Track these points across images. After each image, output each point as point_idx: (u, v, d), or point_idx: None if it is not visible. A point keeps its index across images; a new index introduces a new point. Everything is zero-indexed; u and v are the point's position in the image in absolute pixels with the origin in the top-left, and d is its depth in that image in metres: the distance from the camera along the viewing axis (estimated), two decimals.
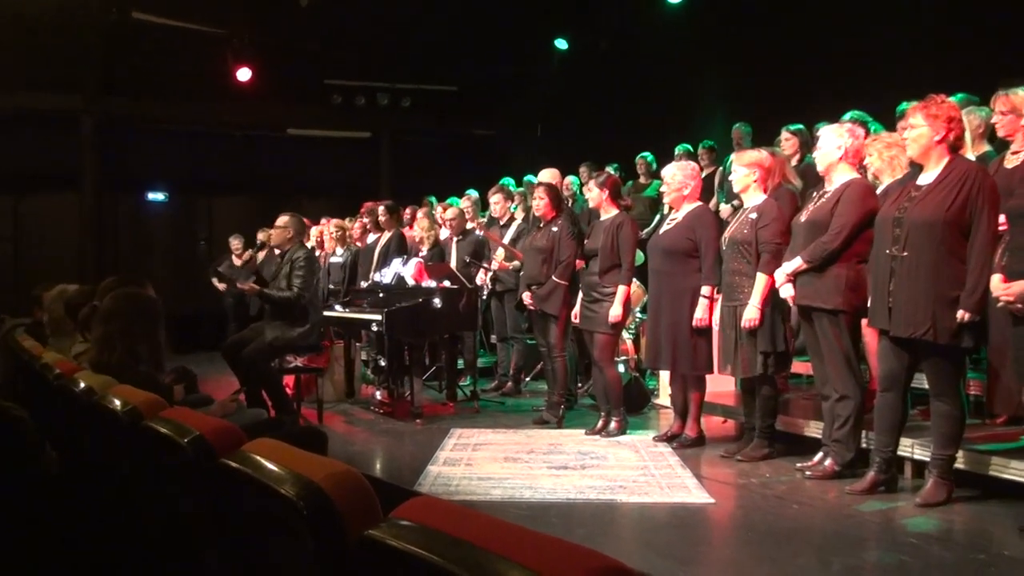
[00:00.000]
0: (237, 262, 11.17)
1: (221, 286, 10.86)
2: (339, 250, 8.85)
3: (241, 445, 1.74)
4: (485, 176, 10.74)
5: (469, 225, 8.55)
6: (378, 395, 7.37)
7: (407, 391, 6.97)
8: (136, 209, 13.39)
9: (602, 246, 5.67)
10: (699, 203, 5.47)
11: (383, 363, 7.31)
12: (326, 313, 6.95)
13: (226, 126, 13.28)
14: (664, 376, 6.58)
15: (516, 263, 7.39)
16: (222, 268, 10.87)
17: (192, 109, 12.79)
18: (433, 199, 10.34)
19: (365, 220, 8.74)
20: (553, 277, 6.07)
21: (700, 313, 5.23)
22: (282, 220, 6.50)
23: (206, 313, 12.26)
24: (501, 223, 7.79)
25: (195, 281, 12.80)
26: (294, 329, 6.26)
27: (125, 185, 13.02)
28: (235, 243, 11.39)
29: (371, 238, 8.55)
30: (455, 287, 6.70)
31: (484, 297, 7.50)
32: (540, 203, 6.24)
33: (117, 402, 2.64)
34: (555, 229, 6.13)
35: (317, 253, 8.81)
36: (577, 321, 5.96)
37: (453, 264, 7.81)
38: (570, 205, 8.02)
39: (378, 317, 6.39)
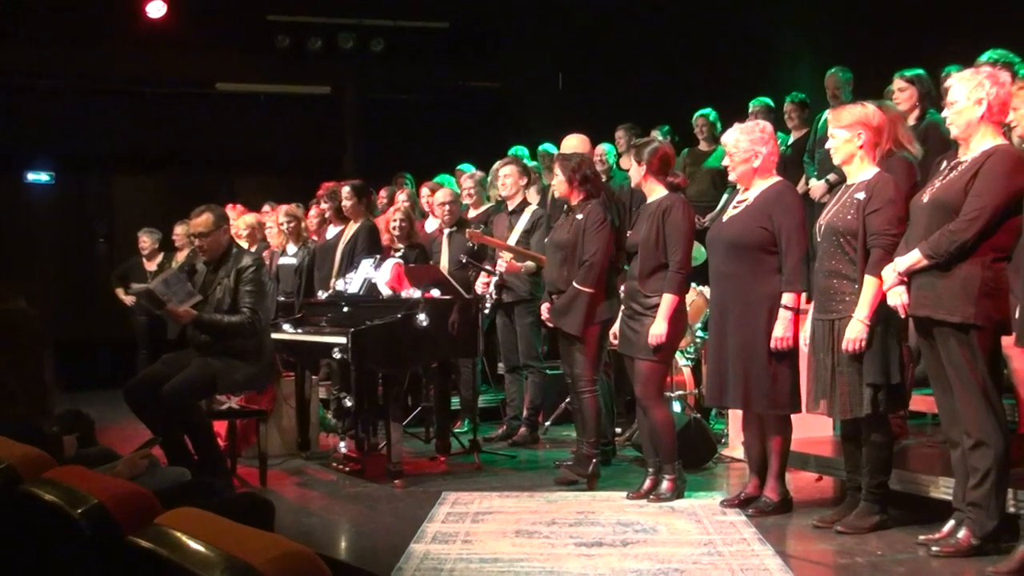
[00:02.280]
0: (149, 267, 11.24)
1: (128, 299, 10.92)
2: (291, 247, 8.90)
3: (155, 517, 1.76)
4: (488, 146, 10.78)
5: (473, 212, 8.61)
6: (343, 447, 7.39)
7: (382, 441, 6.98)
8: (10, 194, 13.48)
9: (644, 240, 5.69)
10: (777, 178, 5.49)
11: (349, 403, 7.33)
12: (272, 335, 6.98)
13: (133, 82, 13.38)
14: (735, 418, 6.58)
15: (531, 264, 7.43)
16: (129, 276, 10.95)
17: (86, 58, 12.88)
18: (410, 177, 10.40)
19: (324, 206, 8.79)
20: (574, 283, 6.10)
21: (781, 330, 5.24)
22: (204, 220, 6.40)
23: (107, 338, 12.32)
24: (511, 208, 7.84)
25: (91, 293, 12.87)
26: (244, 366, 6.29)
27: None
28: (145, 240, 11.46)
29: (332, 231, 8.61)
30: (447, 298, 6.73)
31: (487, 311, 7.53)
32: (559, 181, 6.28)
33: None
34: (580, 216, 6.17)
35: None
36: (615, 343, 5.98)
37: (444, 266, 7.84)
38: (606, 183, 8.05)
39: (342, 340, 6.43)
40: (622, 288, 6.07)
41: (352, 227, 8.23)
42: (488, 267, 7.61)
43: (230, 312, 6.29)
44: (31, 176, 13.56)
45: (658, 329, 5.59)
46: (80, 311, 12.64)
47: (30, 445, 2.67)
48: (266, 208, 10.21)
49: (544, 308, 6.34)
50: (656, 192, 5.83)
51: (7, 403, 3.42)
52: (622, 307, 5.91)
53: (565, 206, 6.42)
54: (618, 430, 7.36)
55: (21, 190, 13.55)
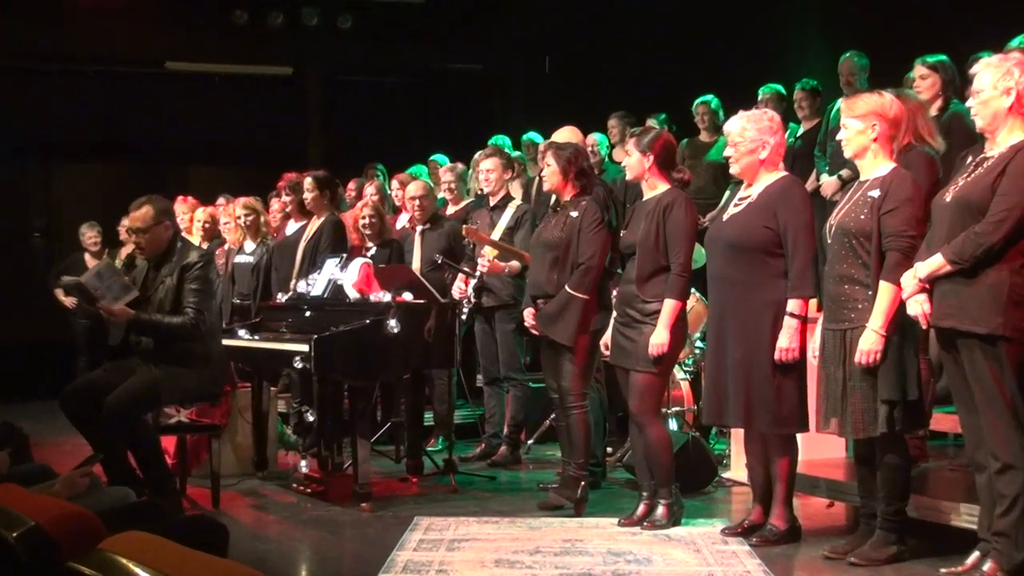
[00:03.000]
0: (92, 263, 11.20)
1: (68, 301, 10.88)
2: (248, 244, 8.89)
3: (99, 541, 1.76)
4: (467, 134, 10.79)
5: (452, 208, 8.62)
6: (304, 466, 7.37)
7: (347, 460, 6.96)
8: None
9: (642, 240, 5.70)
10: (783, 173, 5.52)
11: (311, 418, 7.32)
12: (226, 342, 6.97)
13: (73, 59, 13.34)
14: (737, 437, 6.60)
15: (515, 264, 7.44)
16: (69, 274, 10.90)
17: (21, 32, 12.83)
18: (382, 168, 10.40)
19: (285, 199, 8.78)
20: (567, 287, 6.11)
21: (787, 341, 5.26)
22: (142, 214, 6.36)
23: (43, 342, 12.26)
24: (493, 204, 7.85)
25: (27, 293, 12.80)
26: (189, 373, 6.27)
27: None
28: (89, 234, 11.47)
29: (293, 227, 8.61)
30: (420, 302, 6.73)
31: (465, 317, 7.54)
32: (549, 172, 6.29)
33: None
34: (574, 214, 6.18)
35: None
36: (607, 354, 5.99)
37: (417, 267, 7.85)
38: (599, 177, 8.06)
39: (303, 348, 6.41)
40: (614, 293, 6.08)
41: (315, 223, 8.23)
42: (466, 268, 7.61)
43: (172, 313, 6.27)
44: None
45: (659, 338, 5.59)
46: (13, 312, 12.59)
47: None
48: (221, 201, 10.19)
49: (528, 314, 6.33)
50: (657, 187, 5.83)
51: None
52: (615, 314, 5.91)
53: (553, 201, 6.43)
54: (609, 450, 7.37)
55: None
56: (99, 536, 1.87)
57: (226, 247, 9.10)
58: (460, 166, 9.05)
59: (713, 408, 5.54)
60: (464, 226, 7.64)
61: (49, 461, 5.32)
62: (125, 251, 9.86)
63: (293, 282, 7.88)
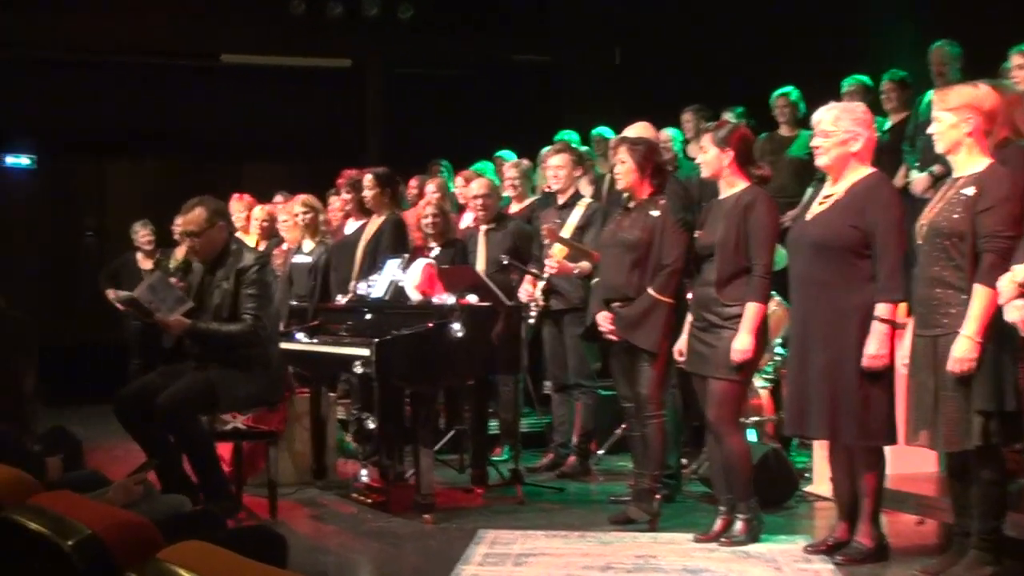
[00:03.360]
0: (144, 264, 11.34)
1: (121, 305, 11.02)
2: (306, 244, 8.95)
3: (156, 551, 1.78)
4: (533, 129, 10.78)
5: (516, 207, 8.61)
6: (364, 475, 7.42)
7: (409, 470, 6.99)
8: None
9: (722, 241, 5.67)
10: (871, 169, 5.46)
11: (371, 425, 7.36)
12: (283, 346, 7.04)
13: (126, 52, 13.50)
14: (820, 449, 6.54)
15: (585, 265, 7.41)
16: (121, 275, 11.05)
17: (73, 24, 13.02)
18: (447, 165, 10.42)
19: (345, 197, 8.80)
20: (649, 290, 6.09)
21: (875, 347, 5.21)
22: (195, 216, 6.46)
23: (95, 345, 12.42)
24: (561, 202, 7.84)
25: (78, 293, 12.98)
26: (247, 378, 6.34)
27: None
28: (141, 233, 11.58)
29: (352, 226, 8.64)
30: (486, 304, 6.74)
31: (532, 321, 7.53)
32: (624, 170, 6.27)
33: None
34: (654, 213, 6.16)
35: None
36: (682, 361, 5.96)
37: (482, 267, 7.85)
38: (673, 174, 8.03)
39: (364, 352, 6.46)
40: (689, 296, 6.06)
41: (376, 222, 8.24)
42: (534, 269, 7.61)
43: (230, 319, 6.35)
44: (9, 160, 13.73)
45: (742, 343, 5.56)
46: (64, 314, 12.76)
47: (11, 467, 2.71)
48: (278, 199, 10.25)
49: (604, 317, 6.30)
50: (736, 185, 5.80)
51: None
52: (689, 318, 5.89)
53: (625, 199, 6.40)
54: (684, 461, 7.34)
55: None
56: (156, 546, 1.89)
57: (284, 247, 9.15)
58: (525, 162, 9.05)
59: (795, 418, 5.49)
60: (544, 226, 7.63)
61: (101, 467, 5.42)
62: (180, 251, 9.95)
63: (353, 283, 7.90)
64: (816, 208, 5.48)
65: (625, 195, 6.43)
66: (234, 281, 6.39)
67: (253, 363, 6.39)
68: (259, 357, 6.41)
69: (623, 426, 7.32)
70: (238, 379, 6.34)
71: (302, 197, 9.07)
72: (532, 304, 7.52)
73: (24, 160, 13.76)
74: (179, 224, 9.73)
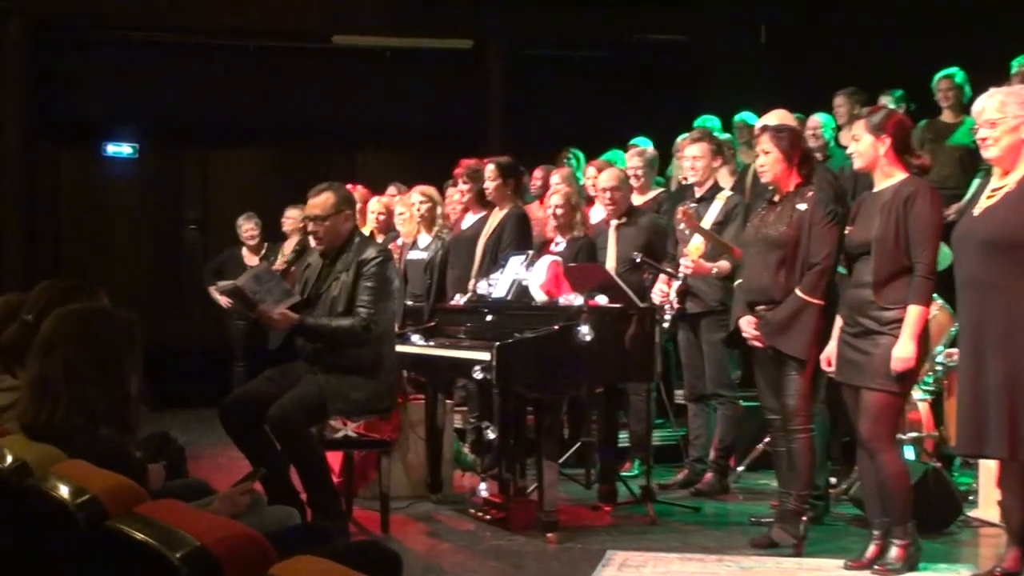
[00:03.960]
0: (251, 259, 11.51)
1: (224, 300, 11.19)
2: (423, 238, 9.01)
3: (269, 566, 1.81)
4: (671, 114, 10.73)
5: (643, 198, 8.58)
6: (482, 490, 7.46)
7: (532, 484, 7.00)
8: (85, 170, 14.07)
9: (879, 237, 5.59)
10: None
11: (491, 435, 7.39)
12: (398, 348, 7.09)
13: (233, 34, 13.76)
14: (987, 469, 6.41)
15: (724, 264, 7.36)
16: (225, 271, 11.22)
17: (177, 6, 13.31)
18: (578, 154, 10.42)
19: (463, 188, 8.82)
20: (797, 291, 6.04)
21: None
22: (322, 201, 6.56)
23: (197, 346, 12.68)
24: (699, 195, 7.79)
25: (180, 291, 13.27)
26: (358, 382, 6.41)
27: (71, 132, 13.69)
28: (246, 227, 11.75)
29: (470, 220, 8.67)
30: (617, 306, 6.73)
31: (667, 324, 7.50)
32: (769, 160, 6.21)
33: (65, 489, 2.80)
34: (801, 207, 6.11)
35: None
36: (831, 370, 5.90)
37: (612, 266, 7.84)
38: (823, 164, 7.94)
39: (484, 356, 6.48)
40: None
41: (497, 215, 8.27)
42: (668, 268, 7.58)
43: (342, 315, 6.41)
44: (110, 148, 14.07)
45: (905, 350, 5.46)
46: (165, 312, 13.04)
47: (117, 473, 2.78)
48: (392, 191, 10.34)
49: (747, 322, 6.25)
50: (893, 175, 5.71)
51: (91, 423, 3.57)
52: (839, 323, 5.81)
53: (770, 192, 6.34)
54: (833, 480, 7.24)
55: (98, 164, 14.09)
56: (269, 560, 1.93)
57: (399, 241, 9.21)
58: (649, 150, 9.00)
59: (971, 436, 5.37)
60: (680, 207, 7.58)
61: (204, 476, 5.51)
62: (288, 246, 10.10)
63: (472, 281, 7.93)
64: (984, 202, 5.38)
65: (770, 188, 6.37)
66: (354, 273, 6.45)
67: (365, 365, 6.44)
68: (372, 359, 6.47)
69: (766, 440, 7.26)
70: (349, 383, 6.40)
71: (420, 187, 9.08)
72: (666, 306, 7.48)
73: (126, 149, 14.06)
74: (292, 212, 9.91)
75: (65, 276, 4.81)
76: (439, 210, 8.96)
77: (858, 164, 5.93)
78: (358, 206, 9.57)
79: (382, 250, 6.68)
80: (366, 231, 9.24)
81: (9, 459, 3.40)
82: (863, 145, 5.77)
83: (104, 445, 3.40)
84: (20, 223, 13.17)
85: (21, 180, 13.16)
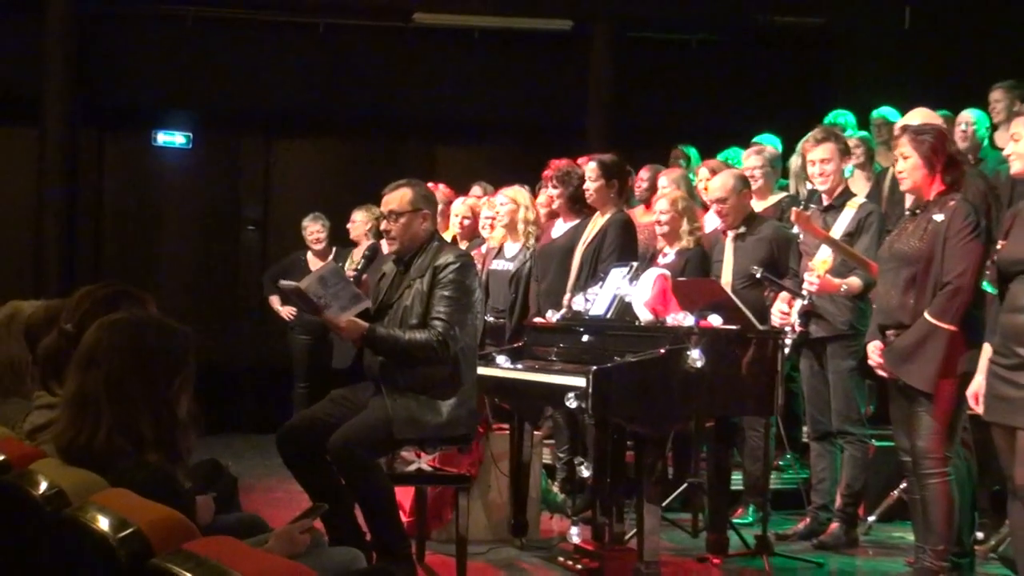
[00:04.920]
0: (317, 265, 11.59)
1: (285, 311, 11.28)
2: (509, 247, 9.03)
3: None
4: (799, 108, 10.67)
5: (763, 203, 8.55)
6: (573, 534, 7.45)
7: (630, 530, 6.99)
8: (134, 161, 14.27)
9: None
10: None
11: (585, 473, 7.38)
12: (480, 370, 7.09)
13: (298, 10, 13.92)
14: None
15: (855, 282, 7.30)
16: (289, 279, 11.32)
17: None
18: (691, 152, 10.40)
19: (552, 192, 8.80)
20: (925, 314, 6.01)
21: None
22: (399, 196, 6.58)
23: (254, 363, 12.78)
24: (826, 203, 7.75)
25: (236, 301, 13.39)
26: (432, 406, 6.42)
27: (117, 118, 13.93)
28: (312, 229, 11.81)
29: (560, 228, 8.67)
30: (732, 328, 6.71)
31: (787, 350, 7.46)
32: (908, 166, 6.16)
33: (106, 521, 2.85)
34: (939, 217, 6.07)
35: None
36: (977, 407, 5.84)
37: (728, 281, 7.81)
38: (976, 168, 7.86)
39: (579, 382, 6.46)
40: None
41: (597, 221, 8.28)
42: (791, 285, 7.53)
43: (417, 327, 6.40)
44: (162, 137, 14.24)
45: None
46: (218, 324, 13.22)
47: (164, 505, 2.81)
48: (476, 191, 10.36)
49: (874, 348, 6.21)
50: None
51: (137, 447, 3.62)
52: (989, 353, 5.73)
53: (912, 201, 6.30)
54: (979, 535, 7.16)
55: (148, 155, 14.27)
56: None
57: (482, 248, 9.24)
58: (771, 149, 8.96)
59: None
60: (793, 209, 7.53)
61: (259, 511, 5.56)
62: (357, 252, 10.14)
63: (567, 296, 7.94)
64: None
65: (910, 196, 6.33)
66: (428, 280, 6.44)
67: (440, 386, 6.40)
68: (448, 379, 6.42)
69: (902, 486, 7.19)
70: (420, 405, 6.36)
71: (506, 190, 9.07)
72: (788, 329, 7.43)
73: (179, 138, 14.23)
74: (359, 215, 9.96)
75: (109, 281, 4.83)
76: (528, 215, 8.94)
77: (1016, 168, 5.88)
78: (439, 207, 9.65)
79: (460, 255, 6.64)
80: (448, 237, 9.27)
81: (44, 485, 3.42)
82: (1022, 147, 5.72)
83: (150, 473, 3.43)
84: (59, 221, 13.38)
85: (60, 173, 13.36)
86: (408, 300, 6.47)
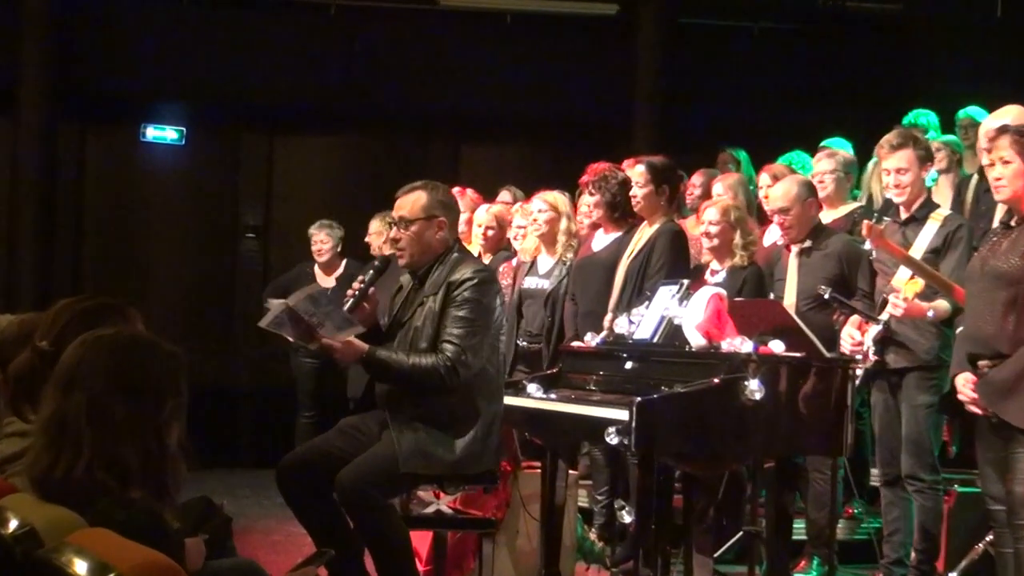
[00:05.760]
0: (324, 278, 11.61)
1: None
2: (544, 261, 9.03)
3: None
4: (875, 108, 10.66)
5: (832, 214, 8.53)
6: None
7: None
8: (120, 159, 14.36)
9: None
10: None
11: (627, 519, 7.37)
12: (508, 400, 7.09)
13: None
14: None
15: (942, 306, 7.27)
16: (294, 292, 11.35)
17: None
18: (741, 155, 10.39)
19: (590, 200, 8.76)
20: None
21: None
22: (411, 201, 6.57)
23: (253, 387, 12.80)
24: (904, 216, 7.73)
25: (233, 318, 13.43)
26: (449, 440, 6.39)
27: (101, 110, 14.00)
28: (318, 238, 11.84)
29: (601, 240, 8.66)
30: (795, 356, 6.69)
31: (858, 382, 7.43)
32: (1009, 173, 6.13)
33: (83, 565, 2.86)
34: None
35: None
36: None
37: (791, 302, 7.80)
38: None
39: (620, 415, 6.44)
40: None
41: (644, 232, 8.28)
42: (863, 307, 7.50)
43: (427, 351, 6.37)
44: (150, 132, 14.32)
45: None
46: (214, 344, 13.28)
47: (151, 548, 2.82)
48: (506, 196, 10.36)
49: (964, 380, 6.18)
50: None
51: (120, 481, 3.62)
52: None
53: (1004, 213, 6.28)
54: None
55: (136, 152, 14.35)
56: None
57: (513, 262, 9.24)
58: (843, 153, 8.93)
59: None
60: (865, 222, 7.50)
61: (255, 555, 5.57)
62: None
63: (608, 317, 7.94)
64: None
65: (1004, 208, 6.31)
66: (442, 297, 6.42)
67: (453, 418, 6.39)
68: (463, 410, 6.40)
69: (988, 538, 7.16)
70: (432, 439, 6.34)
71: (543, 195, 9.05)
72: (859, 357, 7.39)
73: (170, 133, 14.29)
74: (380, 226, 9.94)
75: (90, 294, 4.85)
76: (570, 226, 8.95)
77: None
78: (463, 215, 9.64)
79: (479, 269, 6.61)
80: (473, 250, 9.25)
81: (14, 524, 3.42)
82: None
83: (135, 511, 3.43)
84: (35, 224, 13.45)
85: (36, 170, 13.44)
86: (419, 320, 6.47)
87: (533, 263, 9.05)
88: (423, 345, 6.39)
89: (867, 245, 7.62)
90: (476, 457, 6.47)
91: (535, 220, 8.97)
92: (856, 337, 7.52)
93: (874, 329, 7.44)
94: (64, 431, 3.68)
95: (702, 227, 8.20)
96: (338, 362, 6.60)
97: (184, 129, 14.20)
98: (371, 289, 6.66)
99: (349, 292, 6.69)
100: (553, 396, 7.42)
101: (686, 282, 7.30)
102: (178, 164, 14.24)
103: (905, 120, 9.35)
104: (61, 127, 13.61)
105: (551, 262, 8.93)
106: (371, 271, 6.86)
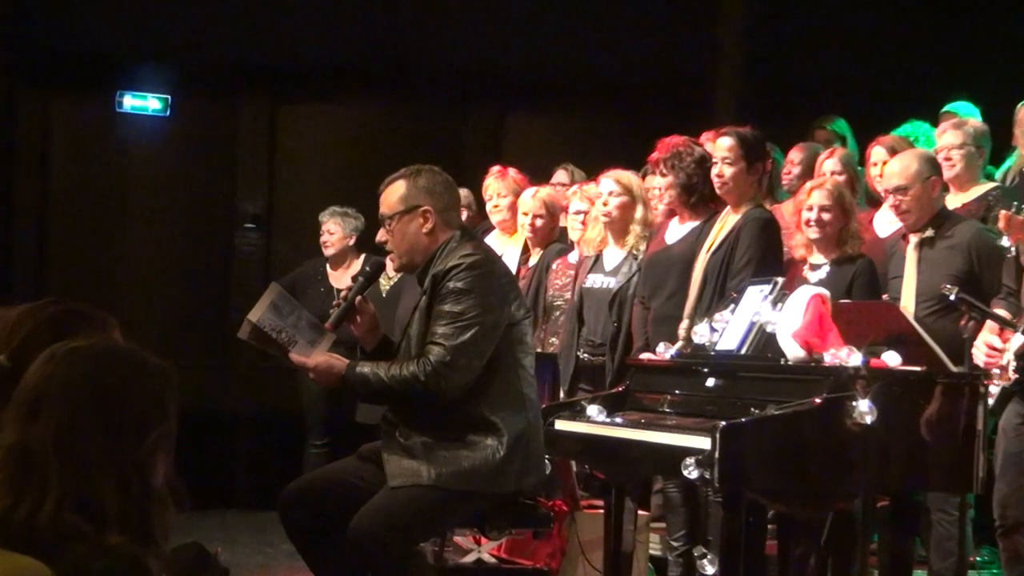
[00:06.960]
0: (336, 276, 11.65)
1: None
2: (611, 254, 9.03)
3: None
4: (997, 69, 10.63)
5: (962, 197, 8.49)
6: None
7: None
8: (97, 131, 14.42)
9: None
10: None
11: (709, 568, 7.37)
12: (564, 426, 7.09)
13: None
14: None
15: None
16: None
17: None
18: (841, 127, 10.36)
19: (661, 182, 8.77)
20: None
21: None
22: (388, 194, 6.67)
23: (254, 411, 12.86)
24: None
25: (228, 326, 13.45)
26: (465, 453, 6.37)
27: (70, 74, 14.09)
28: (328, 227, 11.88)
29: (680, 229, 8.67)
30: (915, 370, 6.66)
31: (991, 402, 7.38)
32: None
33: None
34: None
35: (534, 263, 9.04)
36: None
37: (910, 306, 7.77)
38: None
39: (701, 443, 6.45)
40: None
41: (728, 219, 8.28)
42: (1001, 312, 7.46)
43: (413, 358, 6.38)
44: (129, 101, 14.31)
45: None
46: (208, 358, 13.33)
47: None
48: (562, 177, 10.37)
49: None
50: None
51: (95, 525, 3.61)
52: None
53: None
54: None
55: (111, 125, 14.40)
56: None
57: (570, 258, 9.23)
58: (973, 122, 8.88)
59: None
60: (1002, 212, 7.44)
61: None
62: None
63: (685, 324, 7.94)
64: None
65: None
66: (429, 295, 6.48)
67: (468, 430, 6.38)
68: (467, 423, 6.39)
69: None
70: (457, 456, 6.34)
71: (612, 174, 9.07)
72: (996, 372, 7.33)
73: (153, 102, 14.30)
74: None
75: (57, 297, 4.82)
76: (647, 214, 8.95)
77: None
78: (506, 199, 9.63)
79: (467, 253, 6.51)
80: (518, 240, 9.24)
81: None
82: None
83: (113, 560, 3.43)
84: None
85: None
86: (414, 326, 6.54)
87: (598, 258, 9.05)
88: (414, 353, 6.44)
89: (1005, 241, 7.50)
90: (507, 475, 6.42)
91: (606, 204, 8.95)
92: (995, 347, 7.39)
93: (1017, 339, 7.33)
94: (28, 465, 3.67)
95: (808, 213, 8.11)
96: (317, 380, 6.58)
97: (169, 97, 14.16)
98: (358, 299, 6.65)
99: (335, 303, 6.71)
100: (619, 420, 7.43)
101: (780, 280, 7.29)
102: (162, 139, 14.24)
103: None
104: (19, 96, 13.64)
105: (620, 256, 8.94)
106: (360, 278, 6.92)
